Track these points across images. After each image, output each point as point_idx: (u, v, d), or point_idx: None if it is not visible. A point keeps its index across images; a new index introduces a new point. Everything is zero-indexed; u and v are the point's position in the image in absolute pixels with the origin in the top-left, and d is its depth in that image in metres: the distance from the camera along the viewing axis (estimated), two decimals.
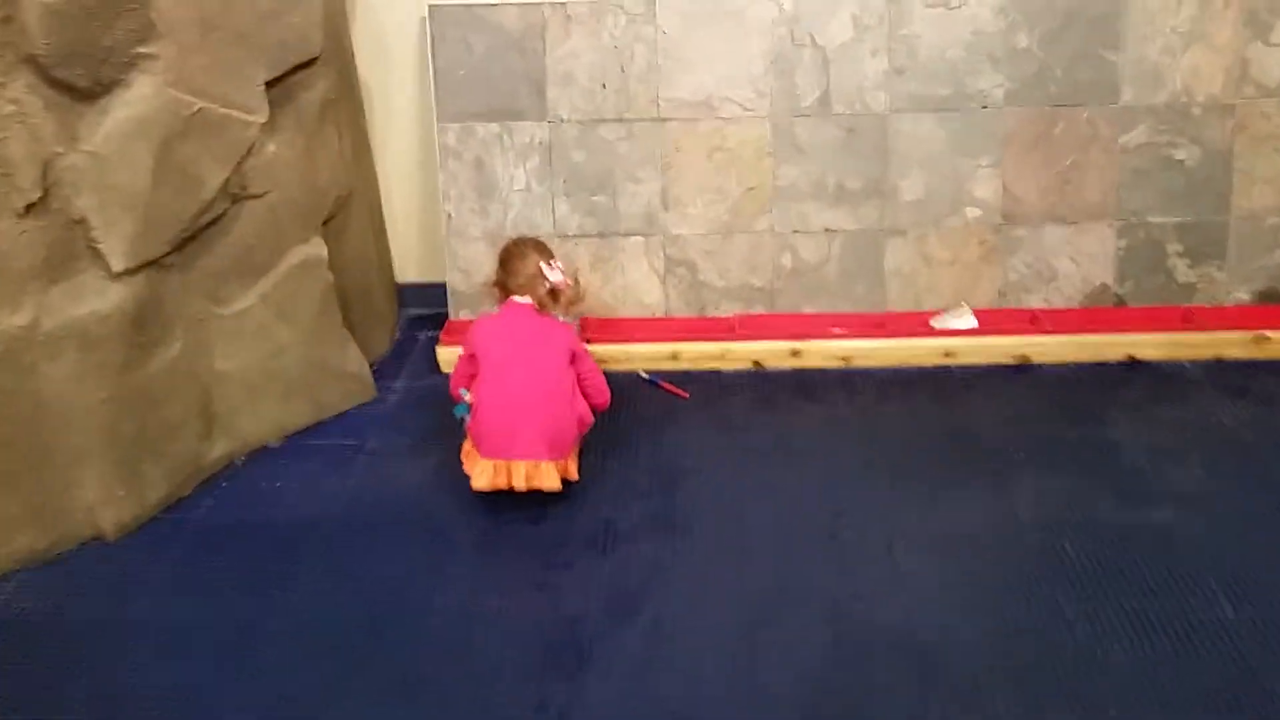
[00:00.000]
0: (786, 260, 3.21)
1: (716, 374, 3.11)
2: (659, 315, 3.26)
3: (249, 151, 2.57)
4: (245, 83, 2.51)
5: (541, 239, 2.84)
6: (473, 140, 3.17)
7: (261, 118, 2.57)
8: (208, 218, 2.52)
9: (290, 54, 2.62)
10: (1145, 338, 3.05)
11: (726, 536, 2.40)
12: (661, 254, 3.22)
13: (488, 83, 3.13)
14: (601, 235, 3.22)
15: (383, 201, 3.41)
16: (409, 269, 3.54)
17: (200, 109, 2.40)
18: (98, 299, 2.35)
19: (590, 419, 2.63)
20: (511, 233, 3.17)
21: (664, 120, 3.14)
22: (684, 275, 3.24)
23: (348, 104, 3.04)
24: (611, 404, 2.73)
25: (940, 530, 2.38)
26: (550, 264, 2.65)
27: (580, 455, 2.61)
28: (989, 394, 2.95)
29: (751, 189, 3.17)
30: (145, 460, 2.51)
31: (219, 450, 2.73)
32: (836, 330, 3.12)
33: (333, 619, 2.20)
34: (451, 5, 3.09)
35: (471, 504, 2.51)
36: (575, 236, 3.22)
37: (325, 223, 2.89)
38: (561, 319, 2.71)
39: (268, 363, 2.77)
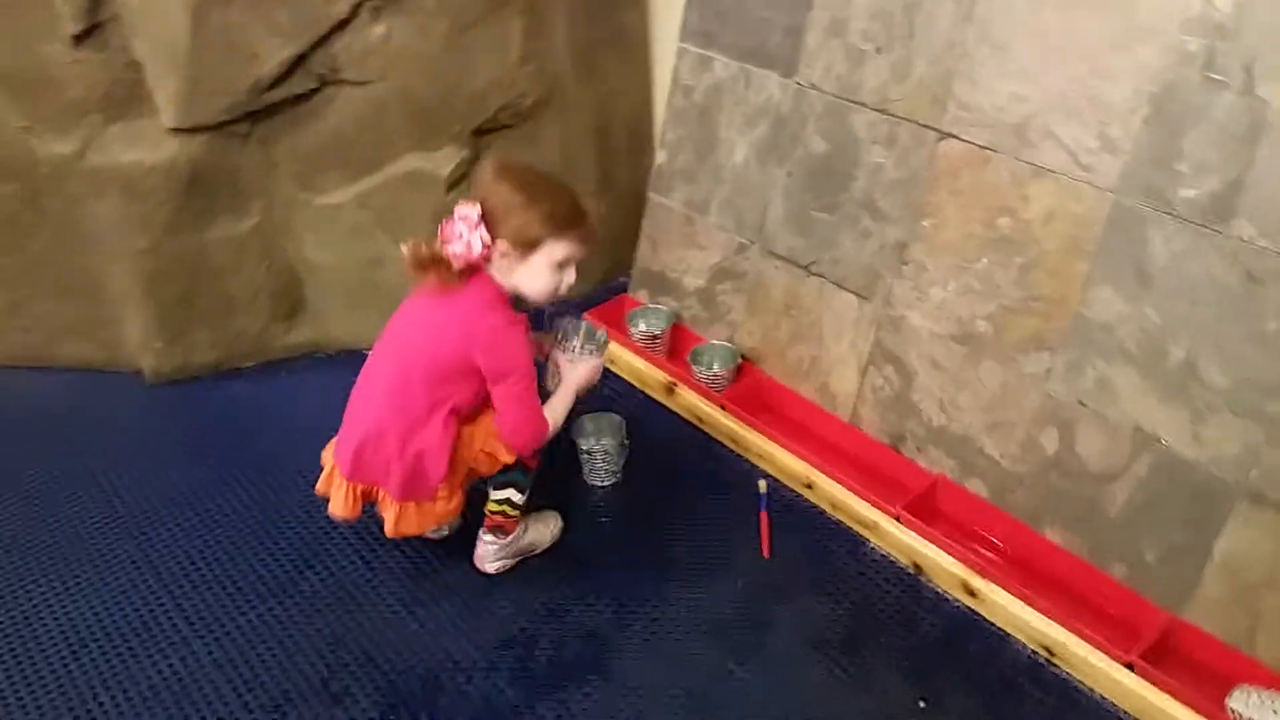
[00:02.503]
0: (1050, 442, 1.82)
1: (854, 541, 1.98)
2: (838, 416, 2.13)
3: (340, 29, 2.09)
4: None
5: (512, 164, 1.72)
6: (708, 77, 2.23)
7: None
8: (280, 95, 2.16)
9: None
10: None
11: None
12: (873, 335, 2.04)
13: None
14: (808, 270, 2.12)
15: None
16: None
17: None
18: (150, 150, 2.19)
19: (442, 472, 1.71)
20: (714, 219, 2.26)
21: (944, 135, 1.86)
22: (893, 382, 2.03)
23: None
24: (542, 464, 1.86)
25: None
26: (461, 207, 1.63)
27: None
28: None
29: (1038, 301, 1.79)
30: (193, 322, 2.40)
31: (301, 338, 2.53)
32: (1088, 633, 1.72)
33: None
34: None
35: None
36: (778, 258, 2.17)
37: (481, 132, 2.31)
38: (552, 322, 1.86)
39: (366, 269, 2.41)
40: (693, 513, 2.05)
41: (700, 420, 2.24)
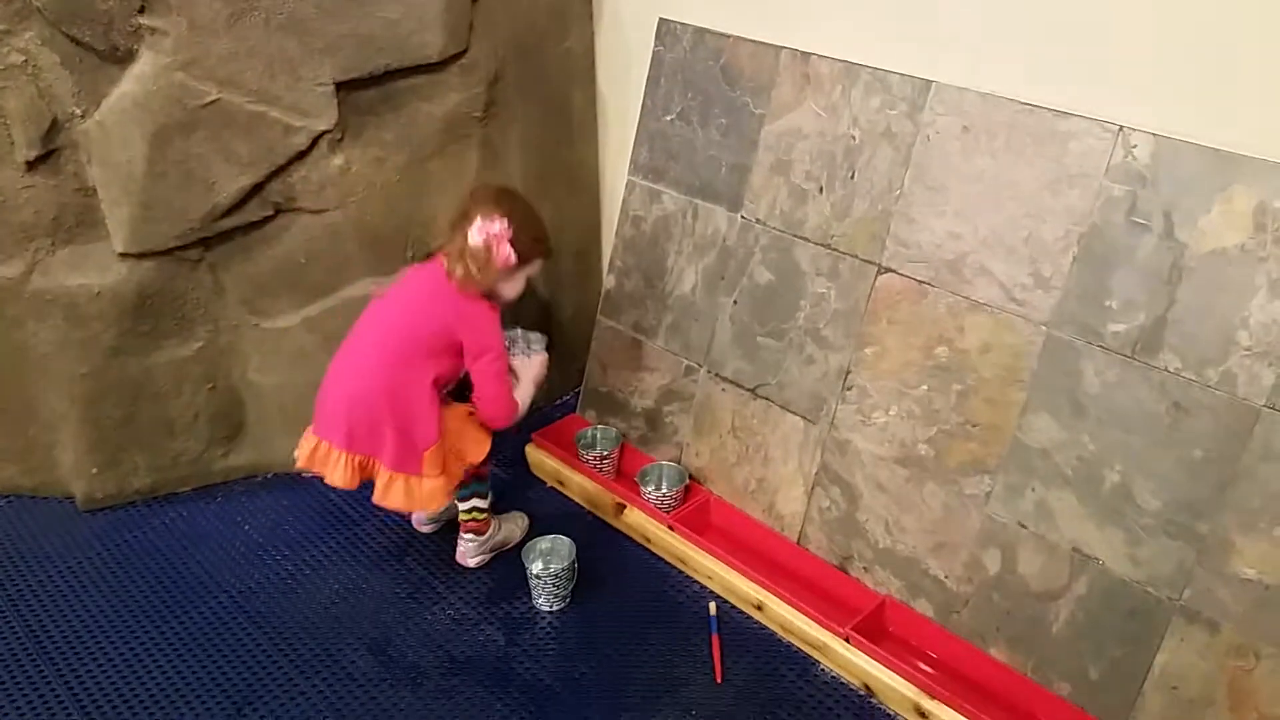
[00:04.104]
0: (992, 562, 1.88)
1: (805, 663, 1.99)
2: (786, 536, 2.17)
3: (298, 160, 2.13)
4: (299, 80, 2.05)
5: (513, 190, 2.12)
6: (657, 209, 2.33)
7: (322, 124, 2.10)
8: (234, 222, 2.18)
9: (381, 55, 2.08)
10: None
11: None
12: (819, 457, 2.10)
13: (688, 138, 2.24)
14: (754, 393, 2.19)
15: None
16: None
17: (217, 100, 2.02)
18: (97, 274, 2.18)
19: (433, 434, 1.96)
20: (661, 343, 2.33)
21: (883, 269, 1.96)
22: (839, 503, 2.08)
23: (529, 125, 2.38)
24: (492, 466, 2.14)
25: None
26: (492, 220, 1.92)
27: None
28: None
29: (976, 427, 1.87)
30: (130, 446, 2.35)
31: (240, 460, 2.49)
32: None
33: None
34: (682, 23, 2.22)
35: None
36: (725, 380, 2.23)
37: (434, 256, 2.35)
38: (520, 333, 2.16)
39: (309, 391, 2.38)
40: (643, 637, 2.05)
41: (649, 541, 2.25)
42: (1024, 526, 1.83)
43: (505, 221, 1.92)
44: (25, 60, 2.00)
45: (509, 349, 2.11)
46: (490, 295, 1.98)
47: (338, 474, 1.97)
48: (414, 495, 1.98)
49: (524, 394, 2.08)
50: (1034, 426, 1.79)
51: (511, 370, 2.09)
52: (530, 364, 2.13)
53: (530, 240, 1.97)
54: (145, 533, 2.33)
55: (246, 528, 2.35)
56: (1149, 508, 1.67)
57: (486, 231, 1.91)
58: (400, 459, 1.94)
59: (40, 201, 2.13)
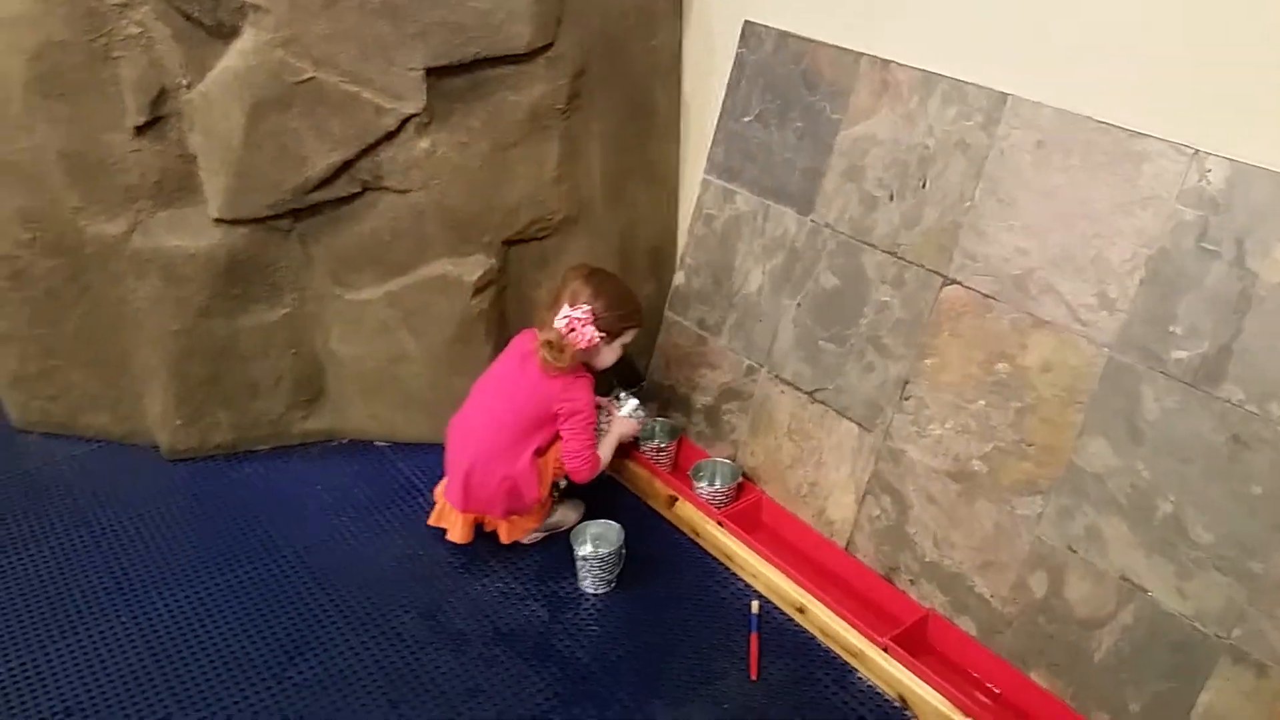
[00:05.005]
0: (1039, 585, 1.85)
1: (842, 669, 1.99)
2: (834, 542, 2.17)
3: (387, 140, 2.22)
4: (391, 63, 2.13)
5: (602, 270, 2.24)
6: (729, 208, 2.35)
7: (411, 107, 2.18)
8: (323, 196, 2.27)
9: (471, 43, 2.15)
10: None
11: None
12: (873, 465, 2.09)
13: (765, 140, 2.25)
14: (812, 397, 2.19)
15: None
16: None
17: (312, 79, 2.11)
18: (192, 237, 2.30)
19: (536, 494, 2.19)
20: (725, 342, 2.35)
21: (949, 280, 1.95)
22: (889, 513, 2.07)
23: (610, 120, 2.43)
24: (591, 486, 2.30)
25: None
26: (575, 306, 2.14)
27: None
28: None
29: (1032, 446, 1.84)
30: (214, 403, 2.48)
31: (317, 425, 2.60)
32: None
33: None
34: (766, 26, 2.24)
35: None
36: (784, 383, 2.24)
37: (511, 243, 2.42)
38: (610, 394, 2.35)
39: (388, 364, 2.50)
40: (683, 628, 2.07)
41: (698, 535, 2.28)
42: (1073, 551, 1.80)
43: (588, 305, 2.12)
44: (141, 32, 2.13)
45: (614, 402, 2.35)
46: (584, 365, 2.20)
47: (456, 530, 2.20)
48: (527, 521, 2.24)
49: (606, 449, 2.26)
50: (1089, 450, 1.76)
51: (604, 418, 2.29)
52: (624, 423, 2.33)
53: (616, 318, 2.16)
54: (222, 485, 2.45)
55: (318, 488, 2.46)
56: (1201, 541, 1.63)
57: (569, 318, 2.12)
58: (509, 510, 2.19)
59: (145, 165, 2.26)
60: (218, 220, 2.28)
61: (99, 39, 2.12)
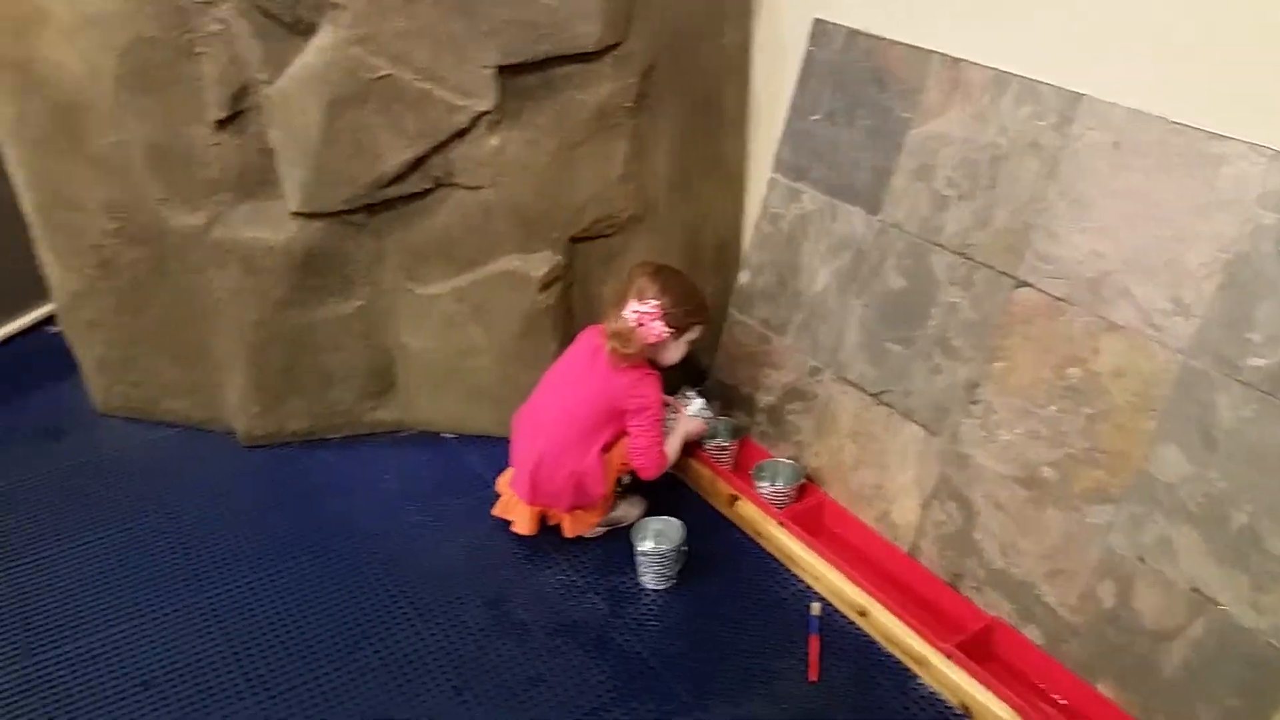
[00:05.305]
0: (1108, 595, 1.81)
1: (903, 675, 1.97)
2: (898, 546, 2.15)
3: (458, 138, 2.26)
4: (464, 61, 2.17)
5: (668, 267, 2.25)
6: (796, 207, 2.34)
7: (483, 105, 2.21)
8: (396, 191, 2.32)
9: (542, 41, 2.17)
10: None
11: None
12: (938, 469, 2.07)
13: (833, 138, 2.24)
14: (878, 399, 2.18)
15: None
16: None
17: (387, 76, 2.16)
18: (271, 230, 2.36)
19: (602, 489, 2.21)
20: (789, 341, 2.34)
21: (1020, 283, 1.92)
22: (955, 519, 2.05)
23: (679, 117, 2.43)
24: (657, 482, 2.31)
25: None
26: (643, 301, 2.15)
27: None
28: None
29: (1104, 454, 1.81)
30: (290, 392, 2.55)
31: (387, 416, 2.66)
32: None
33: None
34: (836, 24, 2.22)
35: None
36: (849, 384, 2.23)
37: (577, 240, 2.44)
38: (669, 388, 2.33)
39: (456, 358, 2.54)
40: (742, 627, 2.07)
41: (759, 535, 2.28)
42: (1143, 561, 1.76)
43: (655, 300, 2.14)
44: (223, 28, 2.19)
45: (682, 400, 2.39)
46: (651, 362, 2.21)
47: (523, 522, 2.23)
48: (591, 515, 2.26)
49: (672, 447, 2.28)
50: (1162, 458, 1.72)
51: (670, 414, 2.32)
52: (690, 422, 2.35)
53: (683, 314, 2.18)
54: (295, 471, 2.52)
55: (387, 477, 2.51)
56: (1277, 553, 1.58)
57: (637, 312, 2.14)
58: (575, 504, 2.22)
59: (225, 159, 2.32)
60: (295, 214, 2.33)
61: (184, 35, 2.19)
